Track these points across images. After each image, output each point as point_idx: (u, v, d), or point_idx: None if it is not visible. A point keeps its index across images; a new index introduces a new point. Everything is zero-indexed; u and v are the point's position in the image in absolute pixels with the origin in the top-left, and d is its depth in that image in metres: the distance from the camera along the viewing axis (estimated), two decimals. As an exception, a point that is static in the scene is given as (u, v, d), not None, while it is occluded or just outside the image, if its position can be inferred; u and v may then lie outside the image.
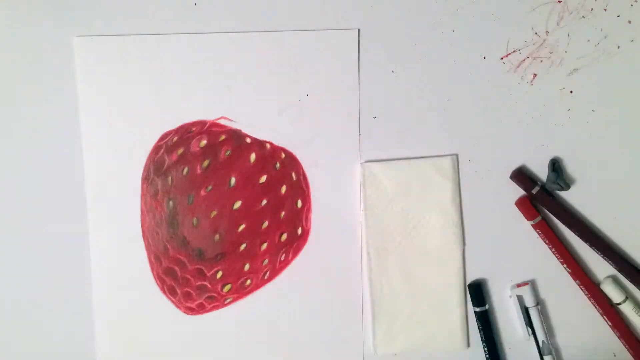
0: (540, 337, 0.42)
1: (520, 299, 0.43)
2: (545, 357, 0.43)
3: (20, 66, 0.42)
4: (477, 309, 0.43)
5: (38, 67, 0.42)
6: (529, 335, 0.42)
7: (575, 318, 0.43)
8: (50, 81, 0.42)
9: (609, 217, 0.43)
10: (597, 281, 0.43)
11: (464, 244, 0.43)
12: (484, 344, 0.43)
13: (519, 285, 0.43)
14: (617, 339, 0.43)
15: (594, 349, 0.43)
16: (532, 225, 0.42)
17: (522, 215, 0.42)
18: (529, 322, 0.42)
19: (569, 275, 0.43)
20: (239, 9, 0.41)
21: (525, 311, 0.42)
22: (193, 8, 0.41)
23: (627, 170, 0.42)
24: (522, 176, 0.42)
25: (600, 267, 0.43)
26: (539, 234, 0.42)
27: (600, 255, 0.42)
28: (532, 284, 0.43)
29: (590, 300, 0.43)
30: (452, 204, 0.42)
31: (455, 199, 0.42)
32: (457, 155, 0.42)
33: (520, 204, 0.42)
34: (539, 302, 0.43)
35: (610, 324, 0.42)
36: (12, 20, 0.41)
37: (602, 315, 0.43)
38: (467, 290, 0.43)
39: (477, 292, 0.42)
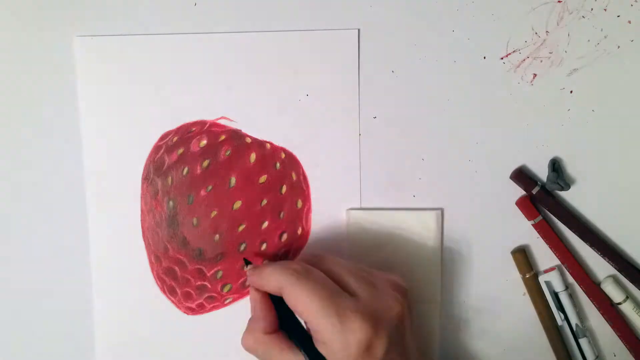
0: (573, 320, 0.42)
1: (548, 284, 0.42)
2: (580, 340, 0.43)
3: (20, 66, 0.42)
4: None
5: (38, 67, 0.42)
6: (562, 320, 0.42)
7: (584, 311, 0.44)
8: (50, 81, 0.42)
9: (609, 217, 0.43)
10: (597, 281, 0.43)
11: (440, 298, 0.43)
12: None
13: (545, 271, 0.43)
14: (617, 338, 0.43)
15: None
16: (532, 225, 0.42)
17: (522, 215, 0.42)
18: (560, 307, 0.42)
19: (569, 274, 0.43)
20: (239, 9, 0.41)
21: (555, 296, 0.42)
22: (193, 8, 0.41)
23: (627, 170, 0.42)
24: (522, 176, 0.42)
25: (600, 267, 0.43)
26: (539, 234, 0.42)
27: (600, 255, 0.42)
28: (559, 269, 0.42)
29: (590, 299, 0.43)
30: (433, 258, 0.42)
31: (436, 253, 0.42)
32: (442, 210, 0.42)
33: (521, 203, 0.42)
34: (567, 287, 0.42)
35: (610, 323, 0.42)
36: (12, 20, 0.41)
37: (602, 315, 0.43)
38: None
39: None
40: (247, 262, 0.40)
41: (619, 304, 0.42)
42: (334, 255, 0.38)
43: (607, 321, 0.43)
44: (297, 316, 0.36)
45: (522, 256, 0.42)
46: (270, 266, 0.36)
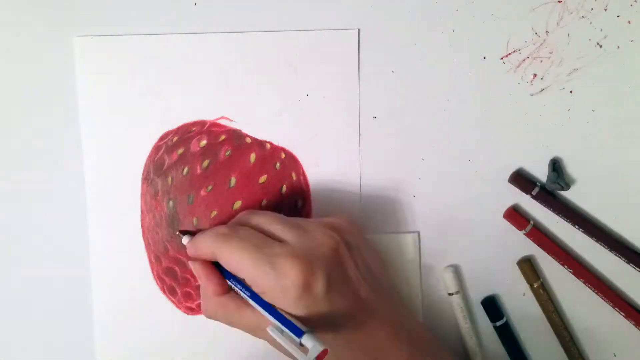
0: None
1: None
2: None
3: (20, 66, 0.42)
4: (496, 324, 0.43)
5: (38, 67, 0.42)
6: None
7: (585, 312, 0.44)
8: (50, 81, 0.42)
9: (610, 217, 0.43)
10: (600, 277, 0.43)
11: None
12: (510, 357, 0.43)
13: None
14: (618, 337, 0.43)
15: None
16: (524, 234, 0.42)
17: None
18: None
19: (572, 274, 0.43)
20: (239, 9, 0.41)
21: None
22: (193, 8, 0.41)
23: (627, 170, 0.42)
24: (520, 179, 0.42)
25: (602, 264, 0.43)
26: (534, 242, 0.42)
27: (607, 249, 0.42)
28: None
29: (599, 296, 0.42)
30: (413, 279, 0.42)
31: (416, 275, 0.42)
32: (418, 232, 0.43)
33: (509, 216, 0.42)
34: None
35: (622, 314, 0.42)
36: (12, 20, 0.41)
37: (612, 307, 0.42)
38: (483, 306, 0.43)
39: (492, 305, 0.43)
40: (185, 233, 0.41)
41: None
42: (262, 210, 0.39)
43: (621, 315, 0.42)
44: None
45: (528, 266, 0.42)
46: (201, 235, 0.38)
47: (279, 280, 0.33)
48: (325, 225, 0.37)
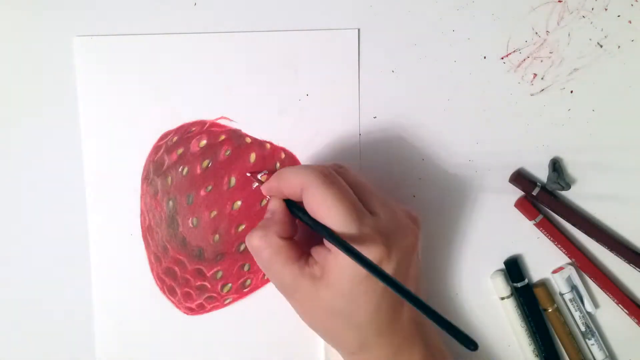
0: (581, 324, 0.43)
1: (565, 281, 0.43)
2: (588, 342, 0.43)
3: (20, 66, 0.42)
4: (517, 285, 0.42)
5: (38, 67, 0.42)
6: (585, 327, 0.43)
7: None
8: (50, 81, 0.42)
9: (610, 216, 0.43)
10: (607, 273, 0.43)
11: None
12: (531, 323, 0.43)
13: (554, 272, 0.43)
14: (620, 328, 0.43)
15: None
16: (534, 224, 0.42)
17: (522, 216, 0.42)
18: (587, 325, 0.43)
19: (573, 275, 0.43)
20: (239, 9, 0.41)
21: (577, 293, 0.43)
22: (193, 8, 0.41)
23: (628, 170, 0.42)
24: (521, 178, 0.42)
25: (607, 260, 0.43)
26: (543, 233, 0.42)
27: (608, 250, 0.42)
28: (568, 269, 0.42)
29: (604, 291, 0.43)
30: None
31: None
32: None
33: (520, 205, 0.42)
34: (573, 288, 0.43)
35: (626, 312, 0.42)
36: (12, 20, 0.41)
37: (617, 305, 0.42)
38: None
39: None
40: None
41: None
42: (357, 172, 0.38)
43: (623, 309, 0.42)
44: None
45: (544, 290, 0.42)
46: (293, 167, 0.36)
47: (359, 249, 0.32)
48: (407, 216, 0.37)
